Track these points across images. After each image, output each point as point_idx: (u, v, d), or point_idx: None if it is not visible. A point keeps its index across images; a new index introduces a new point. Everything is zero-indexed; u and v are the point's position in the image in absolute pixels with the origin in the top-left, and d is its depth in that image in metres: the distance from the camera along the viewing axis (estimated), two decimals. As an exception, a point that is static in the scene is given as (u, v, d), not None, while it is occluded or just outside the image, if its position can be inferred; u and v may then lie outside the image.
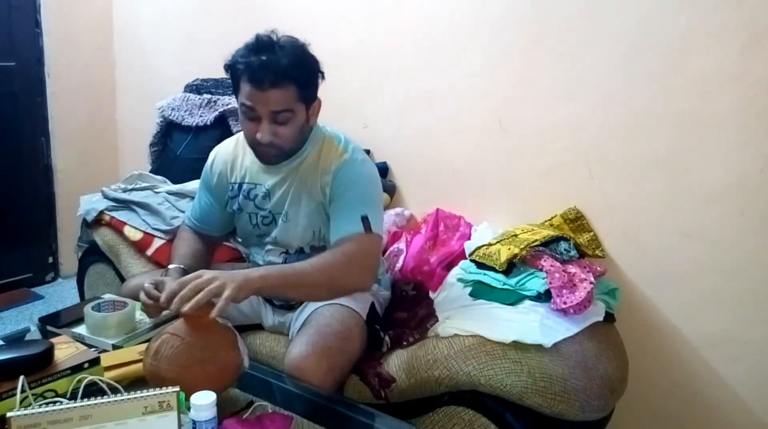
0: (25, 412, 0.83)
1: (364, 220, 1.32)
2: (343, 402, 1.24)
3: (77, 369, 1.04)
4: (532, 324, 1.32)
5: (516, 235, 1.56)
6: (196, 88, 2.27)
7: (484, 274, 1.50)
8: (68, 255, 2.84)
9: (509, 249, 1.48)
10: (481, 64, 1.81)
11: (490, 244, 1.56)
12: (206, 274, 1.11)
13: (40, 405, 0.93)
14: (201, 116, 2.13)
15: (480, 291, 1.48)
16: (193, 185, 1.89)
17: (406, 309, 1.54)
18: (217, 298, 1.09)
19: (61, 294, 2.75)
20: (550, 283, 1.39)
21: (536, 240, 1.50)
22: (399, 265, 1.73)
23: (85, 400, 0.87)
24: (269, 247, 1.49)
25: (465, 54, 1.84)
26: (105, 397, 0.88)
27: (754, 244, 1.45)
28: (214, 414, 0.93)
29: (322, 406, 1.16)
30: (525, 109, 1.75)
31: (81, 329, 1.31)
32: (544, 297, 1.40)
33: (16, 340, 1.30)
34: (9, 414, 0.82)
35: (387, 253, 1.81)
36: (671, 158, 1.52)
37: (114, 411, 0.85)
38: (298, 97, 1.30)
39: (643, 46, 1.52)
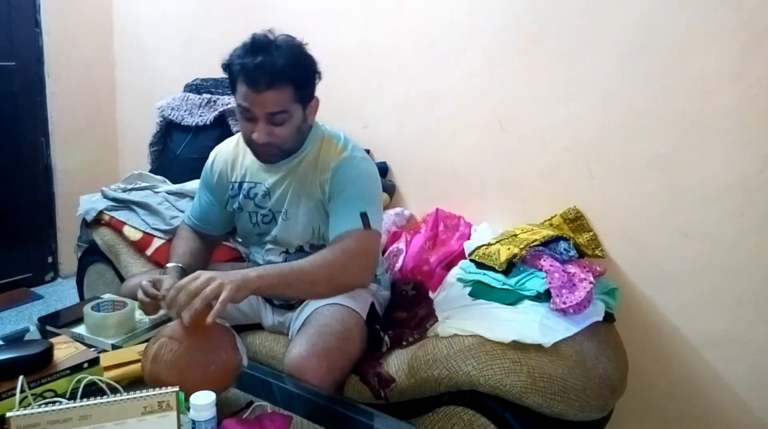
0: (25, 412, 0.83)
1: (363, 216, 1.31)
2: (343, 402, 1.24)
3: (77, 369, 1.04)
4: (531, 324, 1.32)
5: (516, 235, 1.56)
6: (196, 87, 2.27)
7: (484, 274, 1.50)
8: (68, 255, 2.84)
9: (509, 249, 1.48)
10: (481, 64, 1.81)
11: (489, 244, 1.56)
12: (203, 274, 1.10)
13: (40, 405, 0.93)
14: (201, 116, 2.13)
15: (479, 291, 1.47)
16: (192, 185, 1.89)
17: (406, 309, 1.54)
18: (215, 301, 1.09)
19: (60, 294, 2.75)
20: (550, 283, 1.39)
21: (536, 240, 1.50)
22: (399, 264, 1.73)
23: (85, 400, 0.87)
24: (269, 246, 1.49)
25: (465, 54, 1.84)
26: (104, 397, 0.88)
27: (754, 244, 1.45)
28: (214, 414, 0.93)
29: (321, 406, 1.16)
30: (525, 109, 1.75)
31: (80, 329, 1.31)
32: (544, 297, 1.40)
33: (15, 340, 1.30)
34: (8, 414, 0.82)
35: (387, 253, 1.81)
36: (671, 158, 1.52)
37: (113, 411, 0.85)
38: (295, 97, 1.30)
39: (643, 46, 1.52)
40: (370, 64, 2.05)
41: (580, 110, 1.64)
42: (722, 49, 1.42)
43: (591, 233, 1.65)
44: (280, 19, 2.16)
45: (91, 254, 2.05)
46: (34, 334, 1.35)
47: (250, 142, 1.36)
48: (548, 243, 1.53)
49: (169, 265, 1.41)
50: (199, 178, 1.60)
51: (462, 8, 1.82)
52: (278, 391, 1.20)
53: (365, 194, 1.36)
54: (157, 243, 1.81)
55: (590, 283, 1.39)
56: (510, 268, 1.48)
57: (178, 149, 2.16)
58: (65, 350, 1.09)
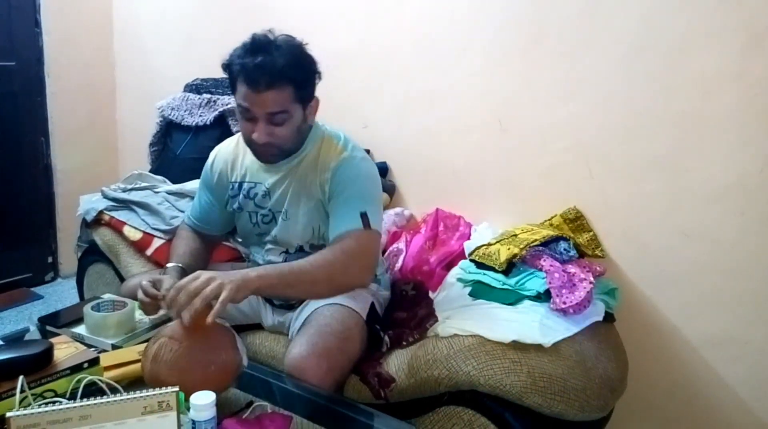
0: (25, 412, 0.83)
1: (363, 216, 1.31)
2: (343, 402, 1.24)
3: (77, 369, 1.04)
4: (531, 324, 1.32)
5: (516, 235, 1.56)
6: (196, 87, 2.27)
7: (484, 274, 1.50)
8: (68, 255, 2.84)
9: (509, 249, 1.48)
10: (481, 64, 1.81)
11: (489, 244, 1.56)
12: (203, 274, 1.10)
13: (40, 405, 0.93)
14: (201, 116, 2.13)
15: (479, 291, 1.47)
16: (192, 185, 1.89)
17: (406, 309, 1.54)
18: (215, 301, 1.09)
19: (60, 294, 2.75)
20: (550, 283, 1.39)
21: (536, 240, 1.50)
22: (399, 264, 1.73)
23: (85, 400, 0.87)
24: (269, 246, 1.49)
25: (465, 54, 1.84)
26: (104, 397, 0.88)
27: (754, 244, 1.45)
28: (214, 414, 0.93)
29: (321, 406, 1.16)
30: (525, 109, 1.75)
31: (80, 329, 1.30)
32: (544, 297, 1.40)
33: (15, 340, 1.30)
34: (8, 414, 0.82)
35: (387, 253, 1.81)
36: (671, 158, 1.52)
37: (113, 411, 0.85)
38: (295, 97, 1.30)
39: (643, 46, 1.52)
40: (370, 64, 2.05)
41: (580, 110, 1.64)
42: (722, 49, 1.42)
43: (591, 233, 1.65)
44: (280, 19, 2.16)
45: (91, 254, 2.05)
46: (34, 334, 1.35)
47: (250, 142, 1.36)
48: (548, 243, 1.53)
49: (169, 265, 1.41)
50: (199, 178, 1.60)
51: (462, 8, 1.82)
52: (278, 391, 1.20)
53: (365, 194, 1.36)
54: (157, 243, 1.81)
55: (590, 283, 1.39)
56: (510, 268, 1.48)
57: (178, 149, 2.16)
58: (65, 350, 1.09)
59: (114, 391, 1.00)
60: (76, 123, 2.85)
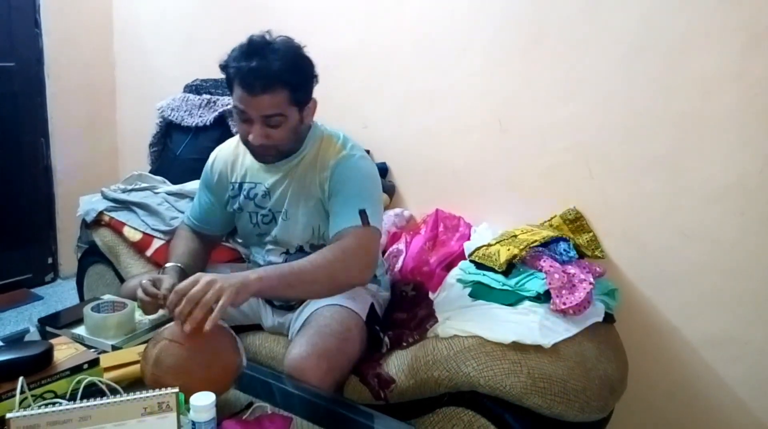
0: (25, 413, 0.83)
1: (362, 213, 1.31)
2: (343, 403, 1.24)
3: (77, 370, 1.04)
4: (531, 325, 1.32)
5: (515, 236, 1.56)
6: (196, 88, 2.27)
7: (484, 275, 1.50)
8: (68, 256, 2.84)
9: (509, 249, 1.48)
10: (481, 64, 1.81)
11: (489, 245, 1.56)
12: (203, 278, 1.09)
13: (40, 406, 0.93)
14: (200, 117, 2.13)
15: (479, 292, 1.47)
16: (192, 185, 1.89)
17: (406, 310, 1.54)
18: (214, 304, 1.08)
19: (60, 295, 2.75)
20: (550, 283, 1.39)
21: (536, 240, 1.50)
22: (398, 265, 1.73)
23: (85, 401, 0.87)
24: (269, 246, 1.49)
25: (465, 54, 1.84)
26: (104, 398, 0.88)
27: (754, 244, 1.45)
28: (214, 415, 0.93)
29: (321, 407, 1.16)
30: (525, 109, 1.74)
31: (80, 330, 1.30)
32: (544, 298, 1.40)
33: (15, 340, 1.31)
34: (8, 415, 0.82)
35: (386, 254, 1.81)
36: (671, 158, 1.52)
37: (113, 412, 0.85)
38: (291, 100, 1.29)
39: (643, 46, 1.52)
40: (370, 64, 2.05)
41: (580, 110, 1.64)
42: (722, 49, 1.42)
43: (591, 234, 1.65)
44: (280, 20, 2.17)
45: (91, 255, 2.05)
46: (34, 335, 1.35)
47: (246, 143, 1.36)
48: (548, 244, 1.53)
49: (167, 264, 1.41)
50: (198, 178, 1.60)
51: (462, 8, 1.82)
52: (278, 392, 1.20)
53: (364, 192, 1.36)
54: (156, 244, 1.81)
55: (590, 283, 1.39)
56: (510, 268, 1.48)
57: (177, 150, 2.16)
58: (65, 351, 1.09)
59: (114, 392, 1.00)
60: (76, 124, 2.86)
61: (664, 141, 1.52)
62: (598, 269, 1.50)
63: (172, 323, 1.09)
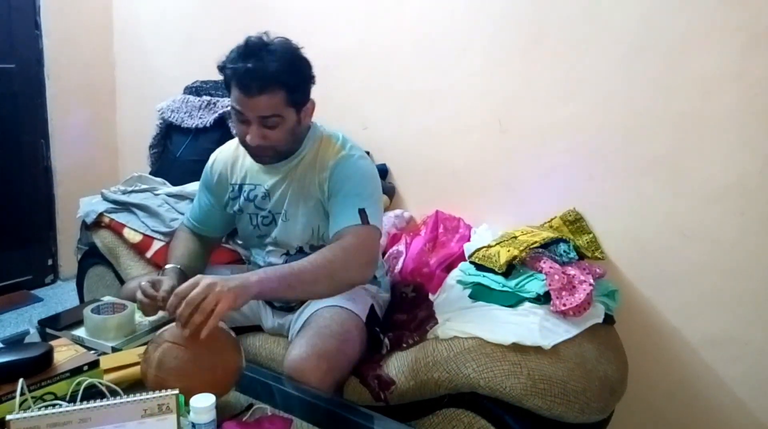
0: (25, 415, 0.83)
1: (362, 212, 1.31)
2: (343, 404, 1.24)
3: (76, 372, 1.04)
4: (531, 326, 1.31)
5: (515, 237, 1.56)
6: (196, 89, 2.27)
7: (484, 276, 1.50)
8: (68, 257, 2.84)
9: (509, 251, 1.48)
10: (481, 64, 1.81)
11: (489, 246, 1.56)
12: (203, 280, 1.09)
13: (40, 408, 0.93)
14: (200, 118, 2.13)
15: (479, 293, 1.47)
16: (192, 187, 1.89)
17: (406, 311, 1.54)
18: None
19: (60, 296, 2.75)
20: (550, 285, 1.39)
21: (536, 242, 1.50)
22: (398, 267, 1.73)
23: (85, 402, 0.87)
24: (270, 247, 1.49)
25: (465, 54, 1.84)
26: (104, 399, 0.88)
27: (754, 244, 1.45)
28: (214, 417, 0.93)
29: (321, 408, 1.16)
30: (525, 109, 1.74)
31: (80, 332, 1.30)
32: (544, 299, 1.39)
33: (15, 342, 1.31)
34: (8, 417, 0.82)
35: (386, 255, 1.81)
36: (671, 158, 1.52)
37: (113, 414, 0.85)
38: (288, 101, 1.29)
39: (643, 46, 1.52)
40: (370, 64, 2.05)
41: (580, 110, 1.64)
42: (722, 49, 1.41)
43: (591, 235, 1.65)
44: (280, 19, 2.18)
45: (91, 256, 2.05)
46: (33, 336, 1.35)
47: (244, 144, 1.37)
48: (548, 245, 1.52)
49: (167, 266, 1.41)
50: (198, 180, 1.60)
51: (462, 8, 1.82)
52: (278, 393, 1.20)
53: (363, 191, 1.36)
54: (156, 245, 1.81)
55: (590, 285, 1.39)
56: (510, 270, 1.48)
57: (177, 151, 2.16)
58: (65, 353, 1.09)
59: (114, 393, 1.00)
60: (76, 125, 2.85)
61: (664, 141, 1.52)
62: (598, 270, 1.50)
63: (172, 324, 1.09)
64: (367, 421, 1.12)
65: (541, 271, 1.44)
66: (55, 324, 1.36)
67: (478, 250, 1.57)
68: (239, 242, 1.76)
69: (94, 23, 2.85)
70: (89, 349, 1.20)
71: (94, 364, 1.07)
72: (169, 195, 1.96)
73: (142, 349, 1.13)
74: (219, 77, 1.34)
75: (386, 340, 1.42)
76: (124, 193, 2.02)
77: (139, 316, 1.35)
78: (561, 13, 1.63)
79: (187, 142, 2.14)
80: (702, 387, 1.56)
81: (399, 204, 2.06)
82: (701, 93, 1.46)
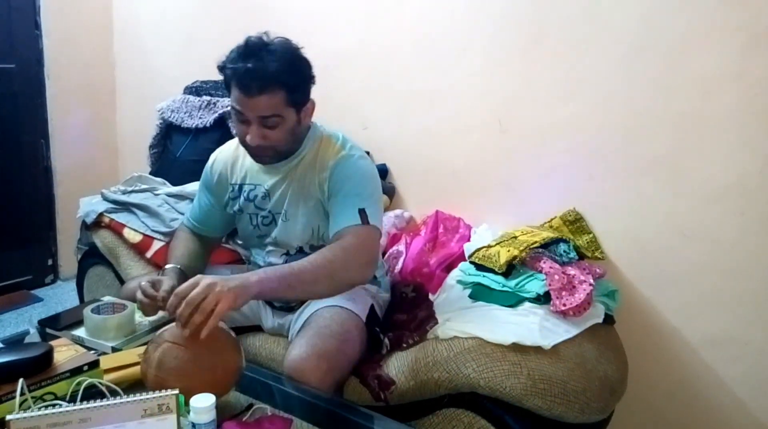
0: (25, 415, 0.83)
1: (362, 212, 1.31)
2: (343, 404, 1.24)
3: (76, 372, 1.04)
4: (531, 326, 1.31)
5: (515, 237, 1.56)
6: (196, 89, 2.27)
7: (484, 276, 1.50)
8: (68, 257, 2.84)
9: (509, 251, 1.48)
10: (481, 64, 1.81)
11: (489, 246, 1.56)
12: (203, 281, 1.09)
13: (40, 408, 0.93)
14: (200, 118, 2.13)
15: (479, 293, 1.47)
16: (192, 187, 1.89)
17: (406, 311, 1.54)
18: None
19: (60, 296, 2.75)
20: (550, 285, 1.39)
21: (536, 242, 1.50)
22: (398, 267, 1.73)
23: (85, 402, 0.87)
24: (270, 247, 1.49)
25: (465, 54, 1.84)
26: (104, 399, 0.88)
27: (754, 244, 1.45)
28: (214, 417, 0.93)
29: (321, 408, 1.16)
30: (525, 109, 1.74)
31: (80, 332, 1.30)
32: (544, 299, 1.39)
33: (15, 342, 1.31)
34: (8, 417, 0.82)
35: (386, 255, 1.81)
36: (671, 158, 1.52)
37: (113, 414, 0.85)
38: (287, 101, 1.30)
39: (643, 46, 1.52)
40: (370, 64, 2.05)
41: (580, 110, 1.64)
42: (722, 49, 1.41)
43: (591, 235, 1.64)
44: (280, 19, 2.18)
45: (91, 256, 2.05)
46: (34, 336, 1.35)
47: (244, 144, 1.37)
48: (548, 245, 1.52)
49: (167, 266, 1.41)
50: (198, 180, 1.60)
51: (462, 8, 1.82)
52: (278, 393, 1.20)
53: (363, 191, 1.36)
54: (156, 245, 1.81)
55: (590, 285, 1.39)
56: (510, 270, 1.48)
57: (177, 151, 2.16)
58: (65, 353, 1.09)
59: (114, 393, 1.00)
60: (76, 125, 2.85)
61: (664, 141, 1.52)
62: (598, 270, 1.50)
63: (172, 324, 1.09)
64: (367, 421, 1.12)
65: (541, 271, 1.44)
66: (55, 324, 1.36)
67: (478, 250, 1.57)
68: (239, 242, 1.76)
69: (94, 23, 2.85)
70: (89, 349, 1.20)
71: (94, 364, 1.07)
72: (169, 195, 1.96)
73: (142, 349, 1.14)
74: (219, 77, 1.34)
75: (386, 340, 1.42)
76: (124, 193, 2.02)
77: (139, 316, 1.35)
78: (561, 13, 1.63)
79: (187, 142, 2.14)
80: (702, 387, 1.56)
81: (399, 204, 2.06)
82: (701, 93, 1.46)
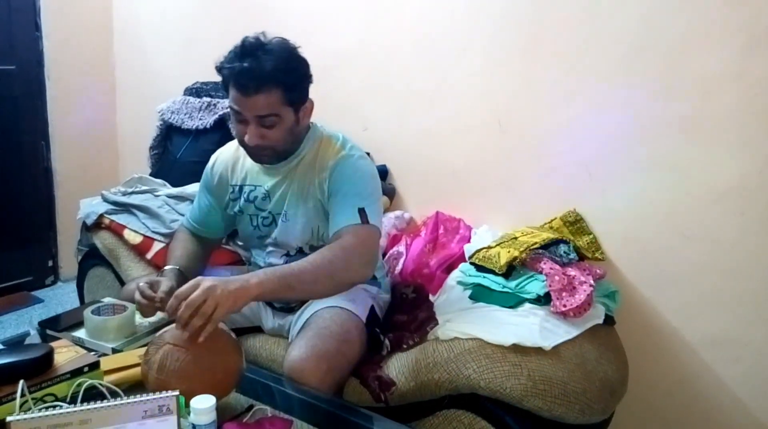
0: (25, 416, 0.83)
1: (361, 212, 1.31)
2: (343, 405, 1.24)
3: (77, 373, 1.04)
4: (531, 327, 1.31)
5: (516, 238, 1.56)
6: (196, 91, 2.27)
7: (484, 277, 1.50)
8: (68, 258, 2.84)
9: (509, 252, 1.48)
10: (481, 64, 1.81)
11: (489, 247, 1.56)
12: (203, 283, 1.09)
13: (40, 409, 0.93)
14: (201, 119, 2.13)
15: (480, 294, 1.47)
16: (192, 188, 1.89)
17: (406, 312, 1.54)
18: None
19: (60, 297, 2.75)
20: (550, 286, 1.39)
21: (536, 243, 1.50)
22: (399, 268, 1.73)
23: (85, 404, 0.87)
24: (270, 248, 1.49)
25: (465, 54, 1.84)
26: (105, 401, 0.88)
27: (754, 244, 1.44)
28: (214, 418, 0.93)
29: (321, 409, 1.16)
30: (525, 110, 1.74)
31: (81, 333, 1.30)
32: (544, 300, 1.39)
33: (15, 343, 1.31)
34: (9, 418, 0.82)
35: (387, 256, 1.81)
36: (671, 158, 1.52)
37: (113, 415, 0.86)
38: (285, 100, 1.30)
39: (643, 46, 1.51)
40: (370, 64, 2.05)
41: (580, 110, 1.64)
42: (722, 49, 1.41)
43: (591, 236, 1.64)
44: (280, 19, 2.18)
45: (92, 258, 2.05)
46: (34, 338, 1.35)
47: (242, 144, 1.37)
48: (548, 246, 1.52)
49: (166, 267, 1.41)
50: (199, 181, 1.60)
51: (462, 8, 1.82)
52: (278, 394, 1.20)
53: (363, 191, 1.36)
54: (157, 246, 1.81)
55: (590, 286, 1.39)
56: (510, 271, 1.48)
57: (178, 153, 2.16)
58: (65, 354, 1.09)
59: (114, 395, 1.00)
60: (76, 126, 2.86)
61: (663, 141, 1.52)
62: (598, 271, 1.50)
63: (172, 326, 1.09)
64: (367, 422, 1.12)
65: (541, 272, 1.44)
66: (56, 325, 1.36)
67: (479, 251, 1.57)
68: (239, 243, 1.76)
69: (94, 24, 2.85)
70: (89, 350, 1.20)
71: (94, 366, 1.07)
72: (170, 196, 1.96)
73: (143, 350, 1.13)
74: (219, 78, 1.35)
75: (387, 341, 1.42)
76: (124, 194, 2.02)
77: (139, 318, 1.35)
78: (561, 13, 1.63)
79: (187, 143, 2.14)
80: (702, 387, 1.56)
81: (399, 205, 2.06)
82: (701, 93, 1.45)
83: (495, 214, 1.82)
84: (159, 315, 1.32)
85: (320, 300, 1.39)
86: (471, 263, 1.57)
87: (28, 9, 2.64)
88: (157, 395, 0.87)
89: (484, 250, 1.55)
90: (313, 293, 1.35)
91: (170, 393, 0.88)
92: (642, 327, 1.60)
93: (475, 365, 1.25)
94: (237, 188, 1.50)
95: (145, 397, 0.87)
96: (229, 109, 2.03)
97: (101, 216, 1.95)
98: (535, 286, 1.42)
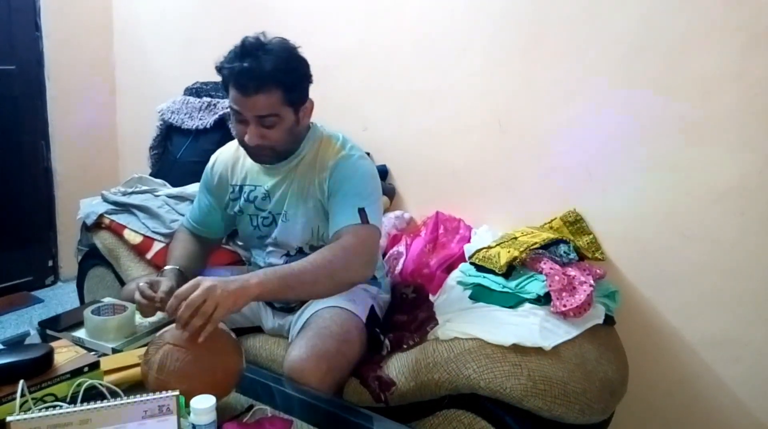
0: (25, 416, 0.83)
1: (361, 212, 1.31)
2: (343, 405, 1.24)
3: (77, 373, 1.04)
4: (531, 327, 1.31)
5: (516, 238, 1.56)
6: (196, 91, 2.27)
7: (484, 277, 1.50)
8: (68, 258, 2.84)
9: (509, 252, 1.48)
10: (481, 64, 1.81)
11: (489, 247, 1.56)
12: (203, 283, 1.09)
13: (40, 409, 0.93)
14: (201, 119, 2.13)
15: (480, 294, 1.47)
16: (193, 188, 1.89)
17: (406, 312, 1.54)
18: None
19: (60, 297, 2.75)
20: (550, 286, 1.39)
21: (536, 243, 1.50)
22: (399, 268, 1.73)
23: (85, 404, 0.87)
24: (270, 248, 1.49)
25: (465, 54, 1.84)
26: (105, 401, 0.88)
27: (754, 244, 1.44)
28: (214, 418, 0.93)
29: (321, 409, 1.16)
30: (525, 110, 1.74)
31: (81, 333, 1.30)
32: (544, 300, 1.39)
33: (15, 343, 1.31)
34: (9, 418, 0.82)
35: (387, 256, 1.81)
36: (671, 158, 1.52)
37: (113, 415, 0.86)
38: (285, 100, 1.30)
39: (643, 46, 1.51)
40: (370, 64, 2.05)
41: (580, 111, 1.64)
42: (722, 49, 1.41)
43: (591, 236, 1.64)
44: (280, 19, 2.18)
45: (92, 258, 2.05)
46: (34, 338, 1.35)
47: (243, 144, 1.37)
48: (548, 246, 1.52)
49: (166, 267, 1.41)
50: (199, 181, 1.60)
51: (462, 8, 1.82)
52: (278, 394, 1.20)
53: (363, 191, 1.36)
54: (157, 246, 1.81)
55: (590, 286, 1.39)
56: (510, 271, 1.48)
57: (178, 153, 2.16)
58: (65, 354, 1.09)
59: (114, 395, 1.00)
60: (76, 126, 2.86)
61: (663, 141, 1.52)
62: (598, 271, 1.50)
63: (172, 326, 1.09)
64: (367, 422, 1.12)
65: (541, 272, 1.44)
66: (56, 325, 1.36)
67: (479, 251, 1.57)
68: (239, 243, 1.76)
69: (94, 24, 2.85)
70: (89, 350, 1.20)
71: (94, 366, 1.07)
72: (170, 196, 1.96)
73: (143, 350, 1.13)
74: (219, 78, 1.35)
75: (387, 341, 1.42)
76: (124, 194, 2.02)
77: (139, 318, 1.35)
78: (561, 13, 1.63)
79: (187, 143, 2.14)
80: (702, 387, 1.56)
81: (399, 205, 2.06)
82: (701, 93, 1.45)
83: (495, 214, 1.82)
84: (159, 315, 1.32)
85: (320, 300, 1.39)
86: (471, 263, 1.57)
87: (28, 9, 2.64)
88: (157, 395, 0.87)
89: (484, 250, 1.56)
90: (313, 293, 1.35)
91: (170, 393, 0.88)
92: (642, 327, 1.60)
93: (475, 365, 1.25)
94: (237, 188, 1.50)
95: (145, 397, 0.87)
96: (229, 109, 2.06)
97: (101, 216, 1.95)
98: (535, 286, 1.42)
